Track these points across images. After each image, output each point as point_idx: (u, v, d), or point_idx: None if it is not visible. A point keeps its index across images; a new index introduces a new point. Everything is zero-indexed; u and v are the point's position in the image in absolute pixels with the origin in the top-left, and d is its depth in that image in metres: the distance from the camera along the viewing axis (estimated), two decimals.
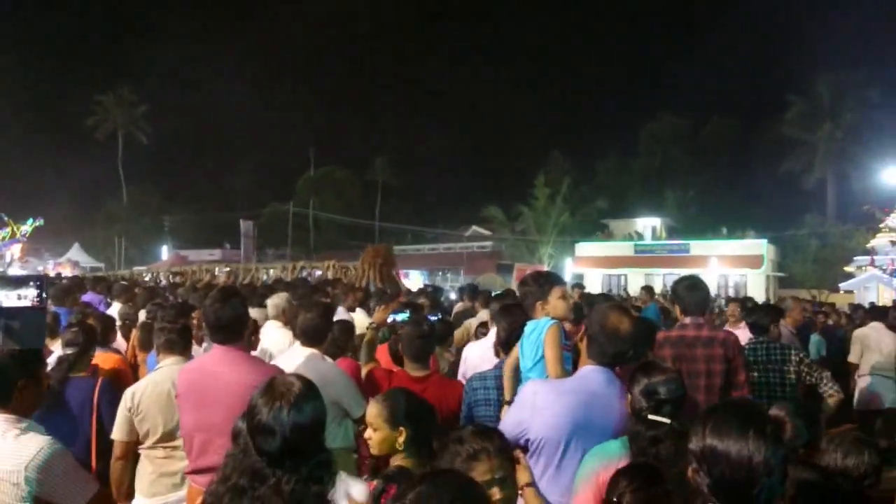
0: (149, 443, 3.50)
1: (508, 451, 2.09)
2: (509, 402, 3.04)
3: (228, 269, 16.09)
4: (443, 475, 1.52)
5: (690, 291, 4.00)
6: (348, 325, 5.17)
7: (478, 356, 4.52)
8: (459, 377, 4.55)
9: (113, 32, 79.30)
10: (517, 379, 3.12)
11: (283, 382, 2.14)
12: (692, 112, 51.59)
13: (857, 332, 8.34)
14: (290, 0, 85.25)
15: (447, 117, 70.49)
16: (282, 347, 4.74)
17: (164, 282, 16.57)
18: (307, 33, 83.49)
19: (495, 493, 1.95)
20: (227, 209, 50.67)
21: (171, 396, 3.44)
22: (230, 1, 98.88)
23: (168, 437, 3.47)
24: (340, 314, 7.03)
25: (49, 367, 3.93)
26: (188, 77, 72.45)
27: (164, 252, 45.07)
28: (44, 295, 2.05)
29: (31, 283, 2.00)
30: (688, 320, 3.94)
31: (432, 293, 9.40)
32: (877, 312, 9.34)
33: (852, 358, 8.13)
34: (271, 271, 17.07)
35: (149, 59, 70.66)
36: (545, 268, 32.46)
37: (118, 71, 61.52)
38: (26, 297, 1.99)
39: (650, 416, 2.27)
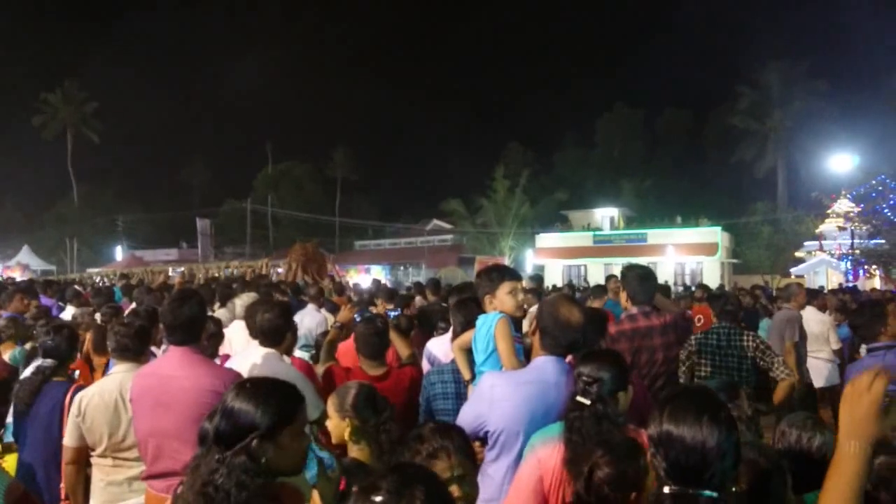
0: (98, 451, 3.43)
1: (469, 449, 2.11)
2: (470, 381, 3.10)
3: (183, 269, 15.80)
4: (412, 467, 1.54)
5: (641, 282, 4.10)
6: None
7: (441, 352, 4.55)
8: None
9: (58, 27, 76.97)
10: (470, 359, 3.19)
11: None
12: (647, 103, 52.68)
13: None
14: None
15: (406, 112, 70.30)
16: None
17: (118, 284, 16.19)
18: (264, 26, 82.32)
19: (454, 490, 1.98)
20: (182, 207, 49.83)
21: (119, 405, 3.37)
22: None
23: (115, 446, 3.40)
24: (310, 311, 7.03)
25: (25, 375, 3.88)
26: (140, 73, 70.77)
27: (119, 253, 44.09)
28: None
29: None
30: (635, 310, 4.05)
31: (388, 289, 9.39)
32: (811, 295, 9.69)
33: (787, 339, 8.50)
34: (235, 271, 16.85)
35: (97, 54, 68.89)
36: (506, 260, 32.65)
37: (65, 67, 59.78)
38: None
39: (577, 398, 2.33)
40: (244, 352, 4.10)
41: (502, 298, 3.13)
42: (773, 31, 55.77)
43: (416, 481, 1.38)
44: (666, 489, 1.54)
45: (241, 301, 5.64)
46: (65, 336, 3.92)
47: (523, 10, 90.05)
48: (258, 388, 2.00)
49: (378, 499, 1.35)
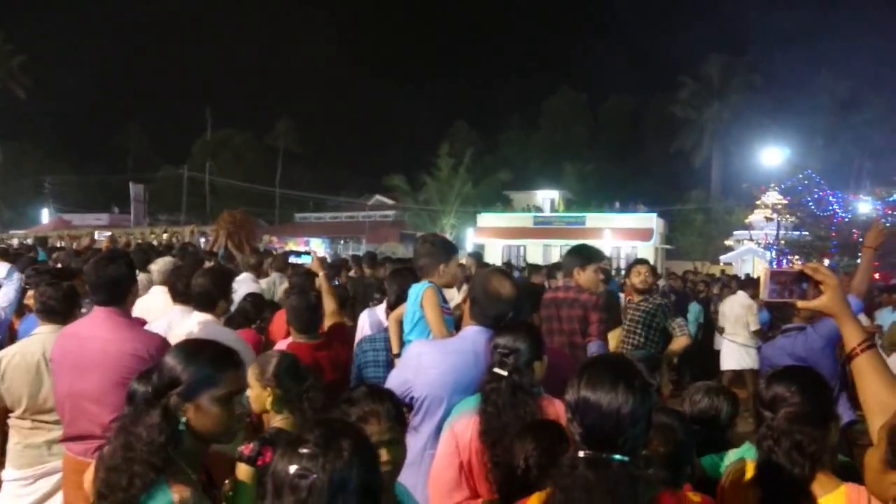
0: (17, 413, 3.34)
1: (399, 415, 2.12)
2: (397, 355, 3.11)
3: (111, 233, 15.29)
4: (338, 422, 1.54)
5: (567, 256, 4.50)
6: (258, 299, 5.14)
7: (374, 322, 4.57)
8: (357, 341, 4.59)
9: None
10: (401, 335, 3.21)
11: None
12: (592, 89, 53.22)
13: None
14: None
15: (351, 83, 69.27)
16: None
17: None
18: None
19: (383, 454, 1.99)
20: (116, 171, 47.97)
21: (41, 366, 3.29)
22: None
23: (35, 408, 3.32)
24: (246, 281, 6.90)
25: None
26: (74, 28, 67.44)
27: (45, 215, 42.23)
28: None
29: None
30: (562, 282, 4.30)
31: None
32: (743, 283, 10.23)
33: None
34: (164, 236, 16.38)
35: (26, 4, 65.26)
36: (447, 237, 32.71)
37: None
38: None
39: (494, 370, 2.38)
40: (184, 318, 4.04)
41: (454, 271, 3.21)
42: (715, 24, 57.33)
43: (343, 435, 1.39)
44: (581, 453, 1.58)
45: (157, 266, 5.52)
46: None
47: None
48: (187, 346, 1.95)
49: (305, 451, 1.34)
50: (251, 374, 2.64)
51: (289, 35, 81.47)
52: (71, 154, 54.38)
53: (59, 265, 6.73)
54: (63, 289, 3.51)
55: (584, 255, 4.48)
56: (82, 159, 54.06)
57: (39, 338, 3.40)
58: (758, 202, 24.53)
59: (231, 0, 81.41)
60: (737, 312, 8.90)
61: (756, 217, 26.65)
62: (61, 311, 3.49)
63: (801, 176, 20.74)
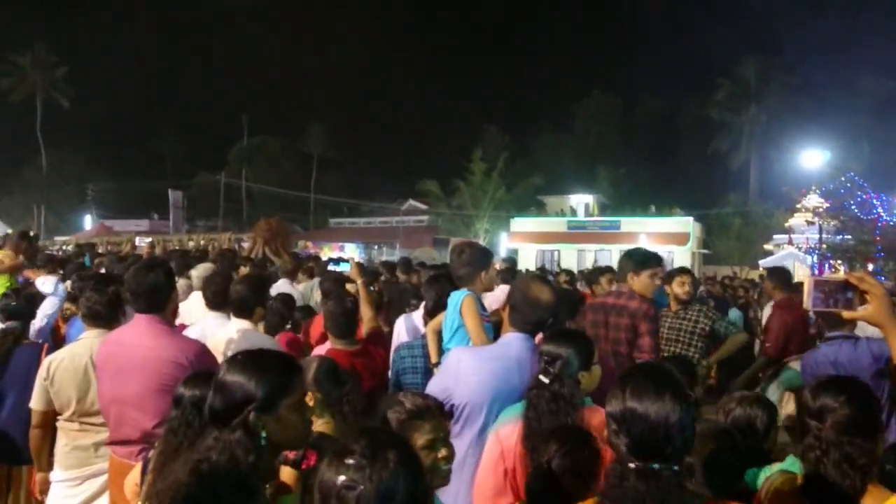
0: (65, 415, 3.41)
1: (445, 414, 2.13)
2: (436, 365, 3.11)
3: (151, 239, 15.63)
4: (382, 432, 1.55)
5: (621, 260, 4.33)
6: (288, 299, 5.17)
7: (411, 327, 4.58)
8: (394, 347, 4.60)
9: None
10: (440, 344, 3.21)
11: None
12: (625, 91, 52.80)
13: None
14: None
15: (385, 90, 69.79)
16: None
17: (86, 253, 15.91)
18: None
19: (443, 450, 1.97)
20: (155, 178, 48.96)
21: (89, 370, 3.36)
22: None
23: (83, 410, 3.38)
24: (283, 286, 7.00)
25: None
26: (114, 39, 69.14)
27: (88, 221, 43.30)
28: None
29: None
30: (613, 287, 4.19)
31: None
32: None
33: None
34: (201, 242, 16.67)
35: (70, 18, 67.14)
36: (481, 242, 32.72)
37: (36, 30, 58.06)
38: None
39: (538, 376, 2.37)
40: (207, 323, 4.10)
41: (492, 277, 3.21)
42: (751, 24, 56.37)
43: (389, 446, 1.40)
44: (631, 465, 1.56)
45: (198, 272, 5.60)
46: (25, 298, 3.89)
47: None
48: (251, 359, 1.91)
49: (351, 461, 1.35)
50: None
51: (322, 42, 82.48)
52: (111, 161, 55.73)
53: (103, 270, 6.89)
54: (108, 294, 3.58)
55: (639, 259, 4.29)
56: (122, 166, 55.34)
57: (86, 342, 3.48)
58: (798, 205, 24.06)
59: (265, 9, 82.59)
60: None
61: (796, 221, 26.08)
62: (106, 316, 3.56)
63: (843, 178, 20.31)
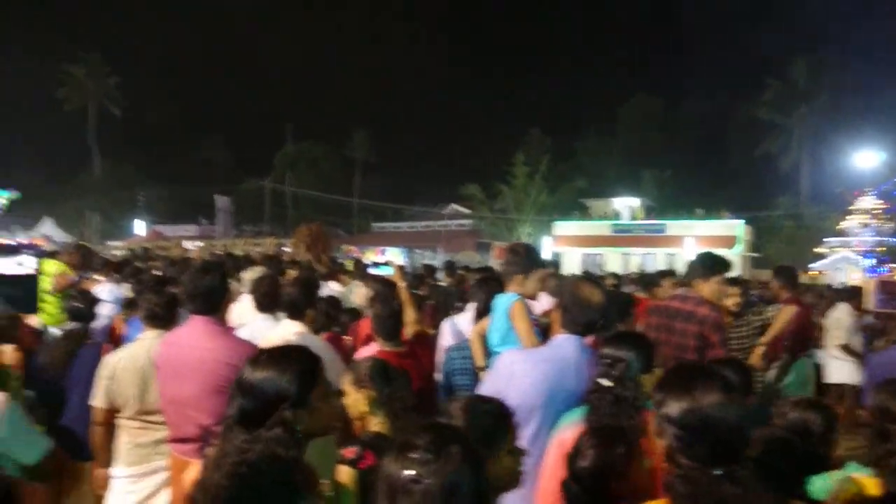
0: (125, 413, 3.52)
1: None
2: (482, 368, 3.12)
3: (202, 243, 16.03)
4: (445, 426, 1.55)
5: (690, 264, 4.18)
6: (335, 301, 5.26)
7: (455, 331, 4.60)
8: (441, 349, 4.63)
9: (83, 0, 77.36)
10: (484, 347, 3.21)
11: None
12: (670, 92, 52.08)
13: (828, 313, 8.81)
14: None
15: (428, 94, 70.11)
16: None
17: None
18: (287, 6, 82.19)
19: (512, 462, 1.97)
20: (202, 184, 50.06)
21: (148, 369, 3.46)
22: None
23: (142, 409, 3.48)
24: (324, 287, 7.12)
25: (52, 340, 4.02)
26: (163, 49, 71.04)
27: (139, 227, 44.50)
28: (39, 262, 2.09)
29: (28, 252, 2.03)
30: (680, 291, 4.09)
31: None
32: (845, 295, 9.68)
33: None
34: (245, 248, 17.05)
35: (122, 28, 69.22)
36: None
37: (89, 40, 60.00)
38: (21, 263, 2.02)
39: (598, 380, 2.36)
40: (256, 325, 4.19)
41: (532, 284, 3.19)
42: (800, 22, 54.86)
43: (452, 440, 1.41)
44: (714, 471, 1.55)
45: (249, 275, 5.73)
46: (88, 300, 4.03)
47: None
48: (275, 357, 1.95)
49: (416, 456, 1.37)
50: (346, 381, 2.71)
51: (365, 49, 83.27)
52: (161, 168, 57.16)
53: (159, 273, 7.09)
54: (166, 296, 3.70)
55: (709, 264, 4.10)
56: (171, 173, 56.72)
57: (145, 342, 3.59)
58: (852, 207, 23.37)
59: (309, 20, 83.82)
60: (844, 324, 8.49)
61: (850, 223, 25.35)
62: (164, 316, 3.67)
63: None
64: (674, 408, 1.62)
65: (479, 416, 1.98)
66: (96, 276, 6.43)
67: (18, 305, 2.05)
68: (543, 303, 4.67)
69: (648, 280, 7.95)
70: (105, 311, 4.62)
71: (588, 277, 2.90)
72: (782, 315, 4.97)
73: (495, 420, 2.00)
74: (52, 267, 5.54)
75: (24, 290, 1.93)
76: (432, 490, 1.33)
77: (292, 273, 7.01)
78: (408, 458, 1.38)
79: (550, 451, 2.40)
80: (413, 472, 1.35)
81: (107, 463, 3.58)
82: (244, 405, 1.86)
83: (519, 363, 2.68)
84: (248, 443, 1.78)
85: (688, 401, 1.60)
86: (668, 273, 6.93)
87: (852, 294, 9.37)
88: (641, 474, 2.00)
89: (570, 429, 2.37)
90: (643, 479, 2.00)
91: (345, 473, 2.43)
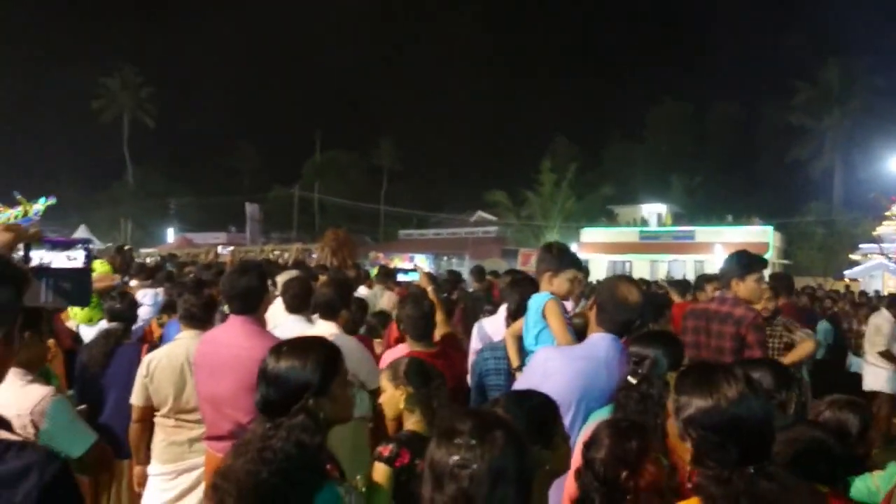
0: (162, 411, 3.59)
1: None
2: (518, 368, 3.12)
3: (233, 247, 16.26)
4: (488, 413, 1.58)
5: (725, 264, 4.10)
6: (363, 303, 5.30)
7: (492, 330, 4.61)
8: (471, 351, 4.63)
9: (119, 13, 79.03)
10: (520, 348, 3.21)
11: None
12: (698, 97, 51.50)
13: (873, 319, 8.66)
14: None
15: (454, 101, 70.32)
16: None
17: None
18: (314, 15, 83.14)
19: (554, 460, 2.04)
20: (232, 192, 50.76)
21: (185, 369, 3.52)
22: None
23: (179, 407, 3.55)
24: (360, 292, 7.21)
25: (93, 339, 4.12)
26: (195, 60, 72.26)
27: (170, 235, 45.22)
28: (90, 257, 2.14)
29: (80, 246, 2.09)
30: (718, 293, 4.03)
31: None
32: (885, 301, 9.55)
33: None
34: (285, 254, 17.27)
35: (155, 40, 70.61)
36: None
37: (124, 52, 61.28)
38: (75, 258, 2.08)
39: (627, 378, 2.36)
40: (287, 325, 4.23)
41: (560, 282, 3.18)
42: (831, 25, 53.83)
43: (496, 426, 1.43)
44: (748, 469, 1.54)
45: (282, 278, 5.82)
46: (128, 301, 4.13)
47: (573, 4, 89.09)
48: (297, 347, 2.02)
49: (461, 441, 1.39)
50: (384, 379, 2.73)
51: (391, 58, 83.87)
52: (192, 176, 58.11)
53: (193, 276, 7.22)
54: (204, 297, 3.77)
55: (744, 263, 4.00)
56: (202, 181, 57.59)
57: (183, 342, 3.66)
58: (887, 213, 22.90)
59: (335, 30, 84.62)
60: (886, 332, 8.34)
61: (886, 229, 24.82)
62: (202, 317, 3.75)
63: None
64: (696, 409, 1.60)
65: (534, 408, 2.03)
66: (133, 282, 6.56)
67: (70, 298, 2.09)
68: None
69: (685, 285, 7.86)
70: (143, 314, 4.71)
71: (626, 276, 2.89)
72: (803, 348, 4.89)
73: (547, 410, 2.06)
74: (99, 266, 5.68)
75: (76, 283, 1.95)
76: (479, 474, 1.35)
77: (323, 278, 7.10)
78: (453, 443, 1.39)
79: (576, 449, 2.39)
80: (459, 457, 1.37)
81: (145, 461, 3.66)
82: (268, 394, 1.93)
83: (554, 360, 2.69)
84: (272, 430, 1.85)
85: (710, 400, 1.58)
86: (713, 277, 6.84)
87: (892, 302, 9.17)
88: (658, 472, 1.99)
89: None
90: (659, 476, 1.99)
91: (380, 471, 2.45)
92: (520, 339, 3.34)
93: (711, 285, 6.31)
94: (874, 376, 8.29)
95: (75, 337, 5.17)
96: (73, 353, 4.42)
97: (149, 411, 3.60)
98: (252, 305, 3.35)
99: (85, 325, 5.33)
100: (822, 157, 43.65)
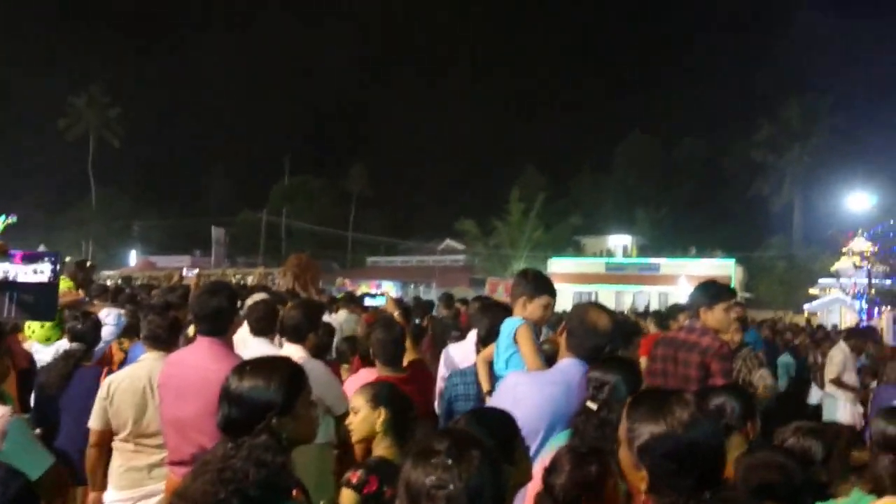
0: (121, 435, 3.47)
1: None
2: (489, 393, 3.11)
3: (197, 270, 16.01)
4: (464, 432, 1.57)
5: (692, 293, 4.15)
6: (330, 328, 5.24)
7: (459, 356, 4.59)
8: (439, 378, 4.61)
9: (88, 32, 78.28)
10: (491, 373, 3.21)
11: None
12: (665, 132, 52.67)
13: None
14: (268, 6, 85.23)
15: (423, 130, 70.79)
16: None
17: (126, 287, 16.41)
18: (285, 40, 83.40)
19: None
20: (197, 215, 50.14)
21: (147, 391, 3.43)
22: (207, 4, 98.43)
23: (139, 431, 3.44)
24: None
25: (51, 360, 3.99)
26: (163, 82, 71.77)
27: (133, 257, 44.43)
28: (57, 271, 2.09)
29: (46, 260, 2.04)
30: (687, 322, 4.07)
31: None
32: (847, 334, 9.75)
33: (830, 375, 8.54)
34: (248, 278, 17.06)
35: (124, 61, 69.98)
36: None
37: (92, 73, 60.51)
38: (42, 272, 2.03)
39: (586, 403, 2.36)
40: (251, 348, 4.16)
41: (533, 309, 3.18)
42: (794, 64, 55.77)
43: (472, 445, 1.42)
44: (705, 494, 1.52)
45: (249, 302, 5.76)
46: (91, 322, 4.02)
47: (544, 35, 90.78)
48: (260, 367, 2.00)
49: (438, 461, 1.38)
50: (360, 399, 2.67)
51: (361, 84, 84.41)
52: (157, 199, 57.32)
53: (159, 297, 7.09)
54: (169, 318, 3.69)
55: (712, 293, 4.00)
56: (166, 204, 56.85)
57: (146, 364, 3.57)
58: (844, 249, 23.53)
59: (304, 57, 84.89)
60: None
61: (843, 265, 25.46)
62: (166, 339, 3.67)
63: (892, 222, 19.85)
64: (650, 436, 1.56)
65: (495, 426, 2.03)
66: (95, 302, 6.41)
67: (34, 313, 2.03)
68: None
69: (663, 316, 7.93)
70: (105, 334, 4.58)
71: (596, 303, 2.91)
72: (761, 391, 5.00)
73: (507, 425, 2.08)
74: (60, 283, 5.53)
75: (42, 297, 1.89)
76: (456, 494, 1.33)
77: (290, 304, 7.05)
78: (430, 463, 1.38)
79: (535, 473, 2.38)
80: (436, 478, 1.35)
81: (101, 487, 3.53)
82: (230, 414, 1.91)
83: (523, 385, 2.69)
84: (234, 450, 1.83)
85: (664, 425, 1.55)
86: (686, 307, 6.93)
87: (851, 335, 9.41)
88: (617, 497, 1.99)
89: (552, 452, 2.36)
90: (618, 502, 1.99)
91: (347, 498, 2.41)
92: (491, 365, 3.33)
93: (684, 314, 6.37)
94: (833, 407, 8.44)
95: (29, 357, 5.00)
96: (26, 374, 4.28)
97: (107, 435, 3.48)
98: (221, 327, 3.30)
99: (42, 344, 5.17)
100: (783, 192, 44.83)
